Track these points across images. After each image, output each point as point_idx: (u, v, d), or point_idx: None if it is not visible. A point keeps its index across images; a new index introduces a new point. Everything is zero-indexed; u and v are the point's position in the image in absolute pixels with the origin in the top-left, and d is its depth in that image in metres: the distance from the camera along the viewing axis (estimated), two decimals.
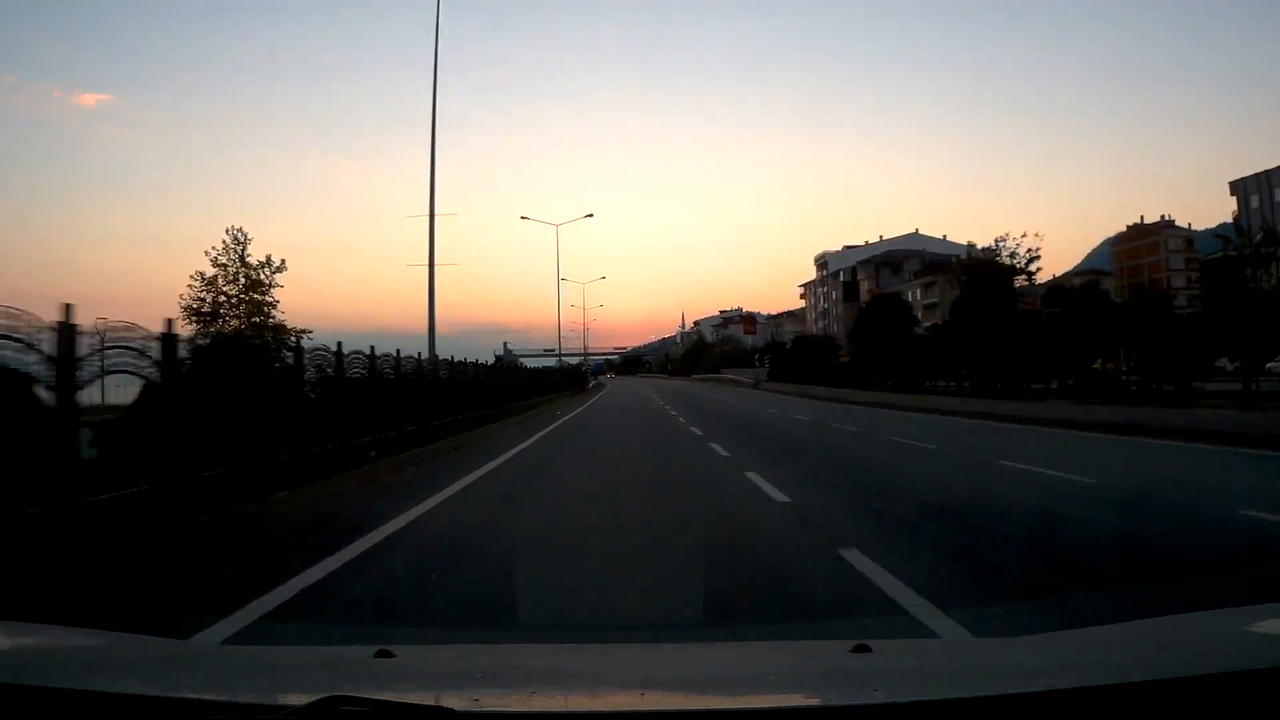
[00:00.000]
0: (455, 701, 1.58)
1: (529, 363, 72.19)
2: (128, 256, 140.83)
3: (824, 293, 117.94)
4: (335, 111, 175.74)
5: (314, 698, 1.45)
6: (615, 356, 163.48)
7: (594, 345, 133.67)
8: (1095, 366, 37.38)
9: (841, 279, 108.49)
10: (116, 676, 1.75)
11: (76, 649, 2.05)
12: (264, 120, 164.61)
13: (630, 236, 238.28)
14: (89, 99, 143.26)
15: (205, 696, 1.59)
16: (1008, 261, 46.00)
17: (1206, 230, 72.84)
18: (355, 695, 1.47)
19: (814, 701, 1.72)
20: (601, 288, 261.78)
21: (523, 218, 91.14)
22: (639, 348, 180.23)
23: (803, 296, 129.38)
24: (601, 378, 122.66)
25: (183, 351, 9.72)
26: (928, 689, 1.77)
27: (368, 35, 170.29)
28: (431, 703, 1.56)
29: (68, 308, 7.55)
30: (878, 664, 2.01)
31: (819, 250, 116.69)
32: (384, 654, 2.00)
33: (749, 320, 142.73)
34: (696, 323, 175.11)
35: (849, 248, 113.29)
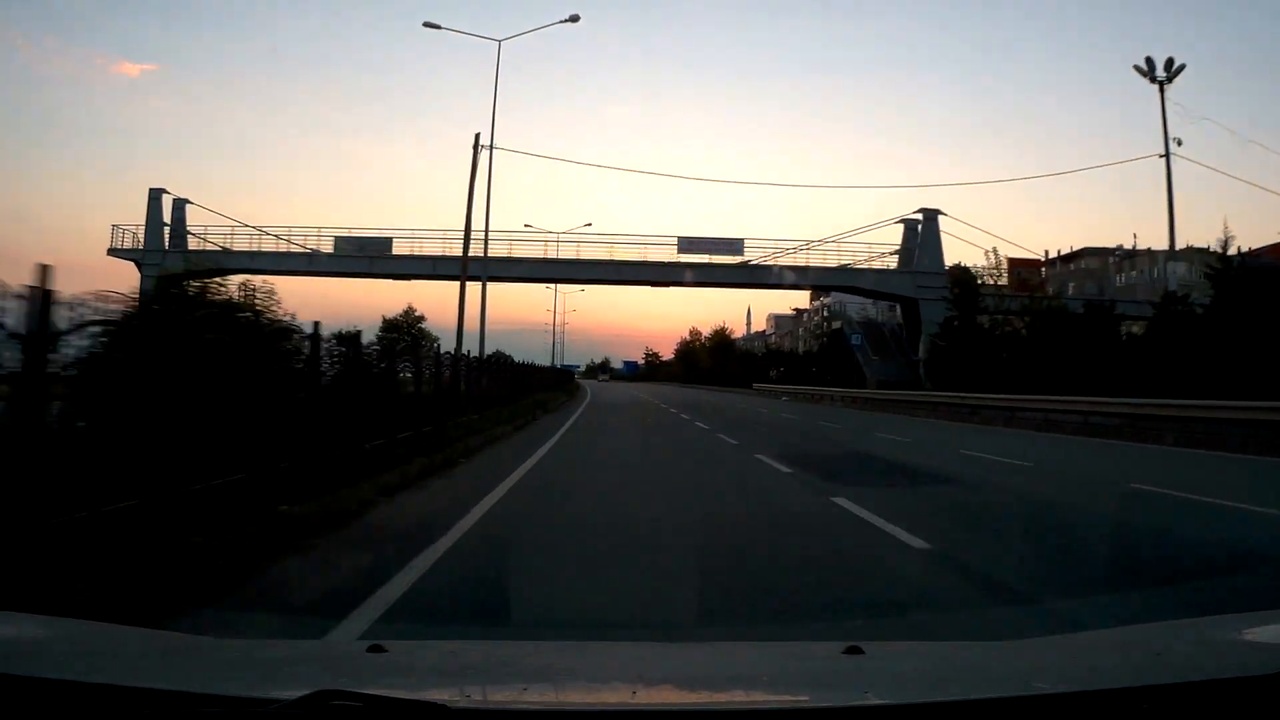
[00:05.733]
0: (446, 697, 1.57)
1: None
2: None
3: None
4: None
5: (304, 692, 1.44)
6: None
7: (616, 340, 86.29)
8: None
9: None
10: (105, 668, 1.73)
11: (67, 640, 2.03)
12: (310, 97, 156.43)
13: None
14: (132, 69, 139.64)
15: (194, 690, 1.57)
16: None
17: None
18: (346, 690, 1.46)
19: (804, 702, 1.71)
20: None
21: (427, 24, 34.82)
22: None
23: None
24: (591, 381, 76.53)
25: None
26: (918, 691, 1.77)
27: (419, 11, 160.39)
28: (422, 698, 1.55)
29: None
30: (870, 666, 2.00)
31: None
32: (376, 649, 2.00)
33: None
34: (799, 311, 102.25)
35: None
